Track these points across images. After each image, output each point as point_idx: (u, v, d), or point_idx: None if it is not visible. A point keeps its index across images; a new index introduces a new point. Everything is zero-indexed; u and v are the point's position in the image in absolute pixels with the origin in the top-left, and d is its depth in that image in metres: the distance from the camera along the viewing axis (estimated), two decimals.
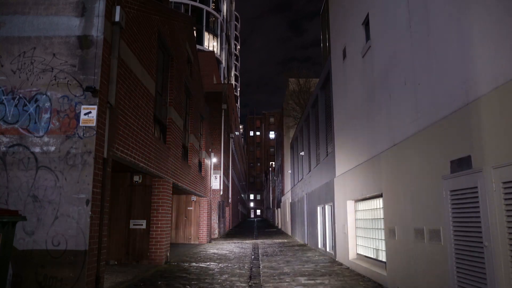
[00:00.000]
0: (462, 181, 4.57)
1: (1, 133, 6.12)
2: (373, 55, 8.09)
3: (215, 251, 14.30)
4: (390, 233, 7.10)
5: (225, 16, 71.76)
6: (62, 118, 6.13)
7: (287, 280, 7.97)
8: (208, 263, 10.61)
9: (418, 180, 5.85)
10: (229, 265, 10.32)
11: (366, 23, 8.79)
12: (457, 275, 4.67)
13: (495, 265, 3.92)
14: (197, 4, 59.20)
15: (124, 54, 7.28)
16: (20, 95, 6.23)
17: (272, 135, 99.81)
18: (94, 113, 6.08)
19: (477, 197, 4.27)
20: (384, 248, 7.99)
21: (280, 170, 37.19)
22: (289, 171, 27.98)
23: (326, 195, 13.31)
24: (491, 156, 4.04)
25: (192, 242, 18.05)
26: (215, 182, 22.37)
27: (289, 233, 26.93)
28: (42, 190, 5.92)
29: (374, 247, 8.73)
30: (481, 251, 4.18)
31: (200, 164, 17.35)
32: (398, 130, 6.68)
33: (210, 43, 61.64)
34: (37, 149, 6.05)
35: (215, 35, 63.39)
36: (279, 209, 39.94)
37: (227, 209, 31.04)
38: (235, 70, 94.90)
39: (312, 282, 7.79)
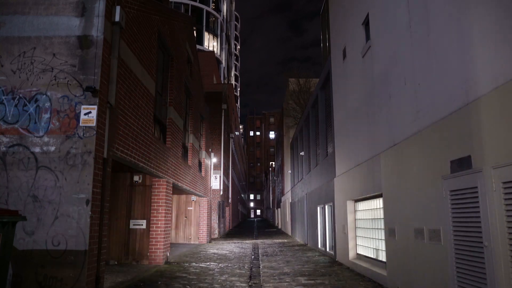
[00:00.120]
0: (462, 181, 4.57)
1: (1, 133, 6.12)
2: (373, 55, 8.09)
3: (215, 251, 14.30)
4: (390, 233, 7.10)
5: (225, 16, 71.76)
6: (62, 118, 6.13)
7: (287, 280, 7.97)
8: (208, 263, 10.61)
9: (418, 180, 5.85)
10: (229, 265, 10.32)
11: (366, 23, 8.79)
12: (457, 275, 4.67)
13: (495, 265, 3.92)
14: (197, 4, 59.20)
15: (124, 54, 7.28)
16: (20, 95, 6.23)
17: (272, 135, 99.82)
18: (94, 113, 6.08)
19: (477, 197, 4.27)
20: (384, 248, 7.99)
21: (280, 170, 37.19)
22: (289, 171, 27.98)
23: (326, 195, 13.31)
24: (491, 156, 4.04)
25: (192, 242, 18.05)
26: (215, 182, 22.37)
27: (289, 233, 26.93)
28: (42, 190, 5.92)
29: (374, 247, 8.73)
30: (481, 251, 4.18)
31: (200, 164, 17.35)
32: (398, 130, 6.68)
33: (210, 43, 61.64)
34: (37, 149, 6.05)
35: (215, 35, 63.39)
36: (279, 209, 39.94)
37: (227, 209, 31.04)
38: (235, 70, 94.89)
39: (312, 282, 7.79)
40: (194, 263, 10.58)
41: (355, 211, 10.20)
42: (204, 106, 18.33)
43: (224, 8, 71.85)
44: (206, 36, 60.44)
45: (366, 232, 9.33)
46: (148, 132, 8.81)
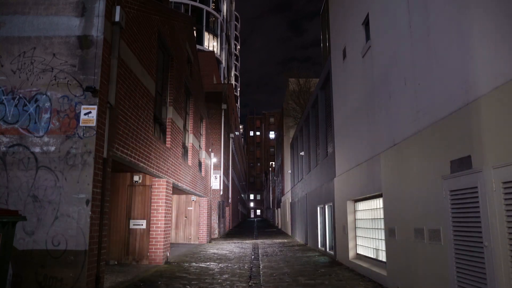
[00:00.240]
0: (462, 181, 4.57)
1: (1, 133, 6.12)
2: (373, 55, 8.09)
3: (215, 251, 14.30)
4: (390, 233, 7.10)
5: (225, 16, 71.76)
6: (62, 118, 6.13)
7: (287, 280, 7.97)
8: (208, 263, 10.61)
9: (418, 180, 5.85)
10: (229, 265, 10.33)
11: (366, 23, 8.79)
12: (457, 275, 4.67)
13: (495, 265, 3.92)
14: (197, 4, 59.20)
15: (124, 54, 7.28)
16: (20, 95, 6.23)
17: (272, 135, 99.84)
18: (94, 113, 6.08)
19: (477, 197, 4.27)
20: (384, 248, 7.99)
21: (280, 170, 37.19)
22: (289, 171, 27.99)
23: (326, 195, 13.31)
24: (491, 156, 4.04)
25: (192, 242, 18.05)
26: (215, 182, 22.37)
27: (289, 233, 26.93)
28: (42, 190, 5.92)
29: (374, 247, 8.73)
30: (481, 251, 4.18)
31: (200, 164, 17.35)
32: (398, 130, 6.68)
33: (210, 43, 61.64)
34: (37, 149, 6.05)
35: (215, 35, 63.39)
36: (279, 209, 39.94)
37: (227, 209, 31.05)
38: (235, 70, 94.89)
39: (312, 282, 7.79)
40: (194, 263, 10.58)
41: (355, 211, 10.21)
42: (204, 106, 18.33)
43: (224, 8, 71.85)
44: (206, 36, 60.45)
45: (366, 232, 9.33)
46: (148, 132, 8.81)
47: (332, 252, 12.41)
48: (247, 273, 8.95)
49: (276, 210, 45.75)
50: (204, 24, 59.93)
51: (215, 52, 59.89)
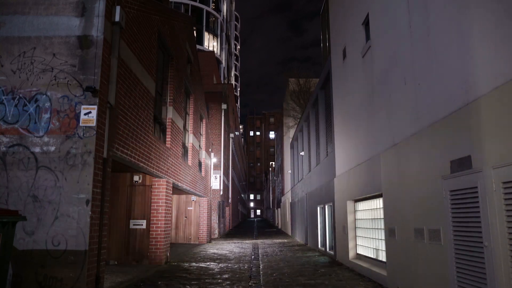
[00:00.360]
0: (462, 181, 4.57)
1: (1, 133, 6.12)
2: (373, 55, 8.09)
3: (215, 251, 14.30)
4: (390, 233, 7.10)
5: (225, 16, 71.76)
6: (62, 118, 6.13)
7: (287, 280, 7.97)
8: (208, 263, 10.61)
9: (418, 180, 5.85)
10: (229, 265, 10.33)
11: (366, 23, 8.79)
12: (457, 275, 4.67)
13: (495, 265, 3.92)
14: (197, 4, 59.19)
15: (124, 54, 7.28)
16: (20, 95, 6.23)
17: (272, 135, 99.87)
18: (94, 113, 6.08)
19: (477, 197, 4.27)
20: (384, 248, 7.99)
21: (280, 170, 37.19)
22: (289, 171, 27.98)
23: (326, 195, 13.31)
24: (491, 156, 4.04)
25: (192, 242, 18.05)
26: (215, 182, 22.37)
27: (289, 233, 26.93)
28: (42, 190, 5.92)
29: (374, 247, 8.73)
30: (481, 251, 4.18)
31: (200, 164, 17.35)
32: (398, 130, 6.68)
33: (210, 43, 61.64)
34: (37, 149, 6.05)
35: (215, 35, 63.39)
36: (279, 209, 39.94)
37: (227, 209, 31.05)
38: (235, 70, 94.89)
39: (312, 282, 7.79)
40: (194, 263, 10.58)
41: (355, 211, 10.21)
42: (204, 106, 18.33)
43: (224, 8, 71.85)
44: (206, 36, 60.44)
45: (366, 232, 9.33)
46: (148, 132, 8.81)
47: (332, 252, 12.41)
48: (247, 273, 8.95)
49: (276, 210, 45.76)
50: (204, 24, 59.93)
51: (215, 52, 59.90)
